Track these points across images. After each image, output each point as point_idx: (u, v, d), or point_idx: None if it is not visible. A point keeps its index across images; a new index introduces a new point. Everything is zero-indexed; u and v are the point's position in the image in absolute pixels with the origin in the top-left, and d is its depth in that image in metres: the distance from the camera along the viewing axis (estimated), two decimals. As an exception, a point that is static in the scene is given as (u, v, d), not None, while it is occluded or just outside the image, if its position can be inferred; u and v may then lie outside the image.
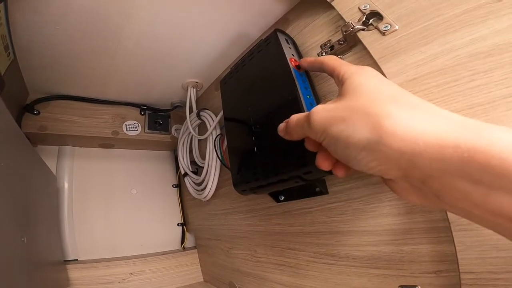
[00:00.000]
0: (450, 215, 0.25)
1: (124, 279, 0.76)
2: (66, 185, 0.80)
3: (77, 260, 0.76)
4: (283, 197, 0.48)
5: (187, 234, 0.94)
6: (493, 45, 0.26)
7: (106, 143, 0.87)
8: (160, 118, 0.91)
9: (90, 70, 0.68)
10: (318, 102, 0.42)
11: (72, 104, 0.79)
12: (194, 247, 0.92)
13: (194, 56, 0.69)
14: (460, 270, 0.24)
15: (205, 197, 0.68)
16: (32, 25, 0.49)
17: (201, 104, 0.84)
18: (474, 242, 0.24)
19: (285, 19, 0.57)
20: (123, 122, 0.85)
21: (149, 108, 0.89)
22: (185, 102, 0.81)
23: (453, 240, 0.24)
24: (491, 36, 0.27)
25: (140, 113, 0.89)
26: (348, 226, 0.39)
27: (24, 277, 0.40)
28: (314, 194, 0.42)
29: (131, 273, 0.78)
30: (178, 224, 0.96)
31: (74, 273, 0.70)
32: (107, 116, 0.83)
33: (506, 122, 0.24)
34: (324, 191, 0.41)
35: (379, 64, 0.35)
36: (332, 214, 0.41)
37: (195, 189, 0.75)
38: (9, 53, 0.49)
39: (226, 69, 0.75)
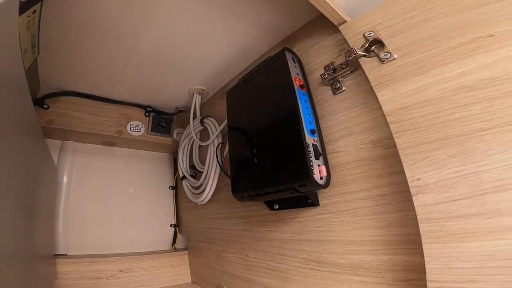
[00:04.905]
0: (422, 229, 0.29)
1: (112, 276, 0.78)
2: (65, 179, 0.82)
3: (66, 254, 0.77)
4: (277, 205, 0.51)
5: (179, 236, 0.96)
6: (477, 79, 0.30)
7: (108, 141, 0.90)
8: (164, 121, 0.94)
9: (104, 69, 0.71)
10: (317, 121, 0.46)
11: (81, 101, 0.82)
12: (185, 249, 0.94)
13: (203, 65, 0.74)
14: (427, 279, 0.28)
15: (202, 200, 0.71)
16: (57, 24, 0.53)
17: (205, 111, 0.88)
18: (440, 254, 0.28)
19: (293, 37, 0.61)
20: (128, 122, 0.88)
21: (154, 110, 0.93)
22: (189, 107, 0.85)
23: (423, 252, 0.28)
24: (477, 71, 0.30)
25: (145, 115, 0.92)
26: (335, 236, 0.42)
27: (23, 269, 0.41)
28: (306, 205, 0.46)
29: (120, 270, 0.79)
30: (171, 225, 0.98)
31: (63, 267, 0.71)
32: (113, 115, 0.86)
33: (476, 153, 0.28)
34: (315, 203, 0.45)
35: (374, 91, 0.39)
36: (321, 224, 0.45)
37: (192, 192, 0.78)
38: (35, 50, 0.52)
39: (232, 79, 0.79)
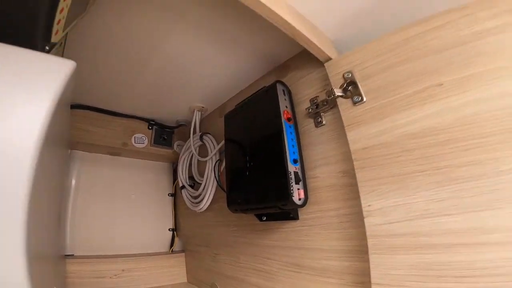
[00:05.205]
0: (369, 243, 0.39)
1: (115, 275, 0.86)
2: (73, 184, 0.90)
3: (73, 255, 0.85)
4: (265, 217, 0.61)
5: (176, 239, 1.05)
6: (420, 127, 0.38)
7: (114, 151, 0.98)
8: (165, 133, 1.03)
9: (113, 85, 0.79)
10: (300, 151, 0.55)
11: (90, 114, 0.90)
12: (182, 251, 1.03)
13: (203, 85, 0.82)
14: (371, 282, 0.38)
15: (200, 209, 0.80)
16: (72, 44, 0.59)
17: (204, 126, 0.97)
18: (380, 262, 0.38)
19: (286, 65, 0.67)
20: (133, 135, 0.96)
21: (156, 123, 1.01)
22: (189, 121, 0.94)
23: (369, 260, 0.38)
24: (422, 119, 0.38)
25: (148, 128, 1.01)
26: (311, 245, 0.52)
27: (55, 267, 0.49)
28: (289, 218, 0.56)
29: (122, 270, 0.88)
30: (169, 229, 1.07)
31: (70, 267, 0.79)
32: (119, 128, 0.95)
33: (409, 189, 0.37)
34: (296, 217, 0.54)
35: (346, 130, 0.47)
36: (300, 235, 0.55)
37: (191, 201, 0.87)
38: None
39: (230, 99, 0.88)
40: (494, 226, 0.30)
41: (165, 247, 1.05)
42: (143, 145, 0.97)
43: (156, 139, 1.00)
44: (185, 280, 0.99)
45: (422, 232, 0.35)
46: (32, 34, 0.36)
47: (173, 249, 1.03)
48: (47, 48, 0.41)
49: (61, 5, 0.38)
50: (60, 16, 0.40)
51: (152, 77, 0.77)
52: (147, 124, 1.01)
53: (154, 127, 1.01)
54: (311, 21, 0.56)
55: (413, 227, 0.36)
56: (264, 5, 0.42)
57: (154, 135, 1.00)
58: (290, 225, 0.57)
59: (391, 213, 0.38)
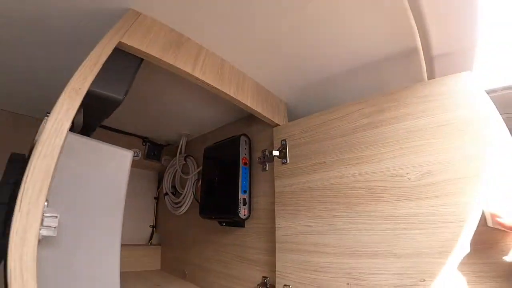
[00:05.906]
0: (276, 246, 0.69)
1: (103, 259, 1.10)
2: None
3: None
4: (224, 224, 0.90)
5: (155, 234, 1.31)
6: (308, 186, 0.68)
7: (113, 160, 1.22)
8: (156, 149, 1.29)
9: (122, 114, 1.03)
10: (250, 185, 0.85)
11: (100, 130, 1.14)
12: (159, 244, 1.29)
13: (191, 121, 1.10)
14: (276, 270, 0.68)
15: (179, 212, 1.08)
16: None
17: (188, 148, 1.24)
18: (281, 258, 0.68)
19: (253, 116, 0.90)
20: (130, 149, 1.21)
21: (149, 141, 1.27)
22: (176, 142, 1.21)
23: (275, 256, 0.69)
24: (310, 182, 0.67)
25: (142, 144, 1.26)
26: (251, 244, 0.82)
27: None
28: (239, 225, 0.86)
29: (110, 255, 1.12)
30: (150, 226, 1.32)
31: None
32: (121, 143, 1.18)
33: (298, 218, 0.69)
34: (243, 226, 0.84)
35: (275, 179, 0.77)
36: (245, 237, 0.84)
37: (172, 205, 1.14)
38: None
39: (210, 132, 1.16)
40: (327, 243, 0.62)
41: (145, 240, 1.30)
42: (138, 158, 1.22)
43: (148, 154, 1.26)
44: (159, 268, 1.25)
45: (300, 242, 0.66)
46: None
47: (152, 242, 1.29)
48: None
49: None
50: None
51: (152, 112, 1.03)
52: (141, 140, 1.26)
53: (148, 143, 1.27)
54: (269, 89, 0.86)
55: (297, 239, 0.67)
56: (232, 97, 0.71)
57: (147, 150, 1.26)
58: (239, 230, 0.87)
59: (288, 229, 0.69)
